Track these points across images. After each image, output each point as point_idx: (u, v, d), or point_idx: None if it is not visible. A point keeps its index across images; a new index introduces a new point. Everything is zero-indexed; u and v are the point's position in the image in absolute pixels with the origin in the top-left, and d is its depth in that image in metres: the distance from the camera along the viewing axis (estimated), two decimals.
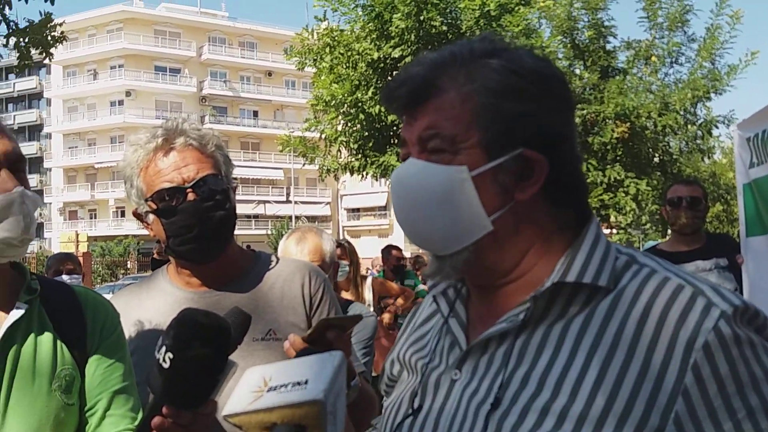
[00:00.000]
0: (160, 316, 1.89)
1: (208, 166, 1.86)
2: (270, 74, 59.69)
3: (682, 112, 12.84)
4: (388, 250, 8.18)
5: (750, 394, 0.94)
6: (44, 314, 1.56)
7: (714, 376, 0.94)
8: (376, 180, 11.50)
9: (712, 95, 12.87)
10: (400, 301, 6.79)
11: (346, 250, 4.98)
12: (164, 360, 1.15)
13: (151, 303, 1.95)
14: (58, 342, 1.54)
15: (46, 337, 1.53)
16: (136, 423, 1.54)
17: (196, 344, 1.15)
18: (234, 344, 1.22)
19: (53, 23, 10.46)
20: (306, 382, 0.87)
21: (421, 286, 8.12)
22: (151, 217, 1.87)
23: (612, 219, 13.29)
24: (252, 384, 0.91)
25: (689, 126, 13.30)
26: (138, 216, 1.94)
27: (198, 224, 1.81)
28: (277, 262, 2.04)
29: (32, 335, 1.52)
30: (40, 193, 53.35)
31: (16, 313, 1.50)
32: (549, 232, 1.10)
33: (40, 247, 47.53)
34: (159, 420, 1.20)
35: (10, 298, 1.53)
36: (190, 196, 1.81)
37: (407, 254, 9.02)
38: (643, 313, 1.00)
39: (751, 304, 1.00)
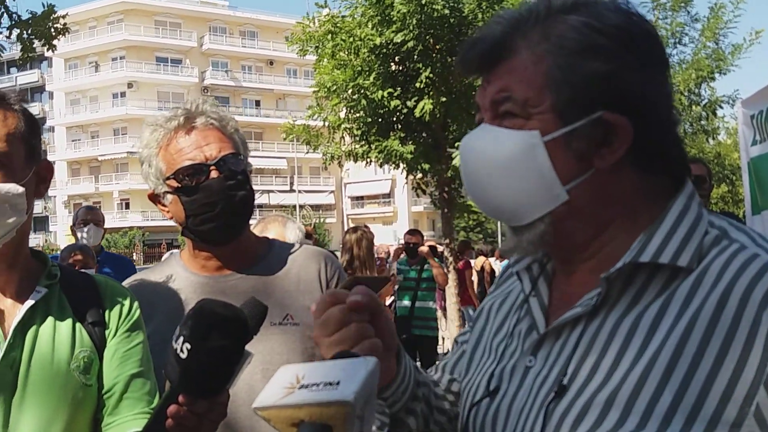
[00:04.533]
0: (175, 300, 1.88)
1: (228, 145, 1.86)
2: (271, 63, 59.55)
3: (686, 93, 12.81)
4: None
5: None
6: (64, 298, 1.58)
7: None
8: (380, 166, 11.46)
9: (717, 75, 12.85)
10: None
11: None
12: (182, 350, 1.15)
13: (163, 288, 1.94)
14: (77, 325, 1.56)
15: (65, 320, 1.55)
16: (152, 406, 1.56)
17: (214, 335, 1.15)
18: (251, 335, 1.23)
19: (56, 15, 10.48)
20: (338, 383, 0.87)
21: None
22: (170, 197, 1.87)
23: None
24: (284, 380, 0.91)
25: (694, 107, 13.27)
26: (154, 198, 1.93)
27: (220, 202, 1.81)
28: (296, 249, 2.04)
29: (51, 318, 1.53)
30: None
31: (36, 296, 1.53)
32: (635, 203, 1.02)
33: (46, 241, 47.66)
34: (175, 408, 1.21)
35: (30, 284, 1.55)
36: (213, 174, 1.81)
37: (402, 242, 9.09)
38: (724, 294, 0.90)
39: None
